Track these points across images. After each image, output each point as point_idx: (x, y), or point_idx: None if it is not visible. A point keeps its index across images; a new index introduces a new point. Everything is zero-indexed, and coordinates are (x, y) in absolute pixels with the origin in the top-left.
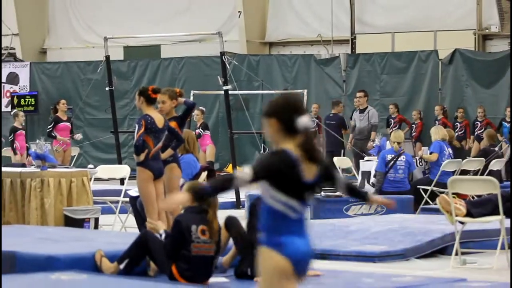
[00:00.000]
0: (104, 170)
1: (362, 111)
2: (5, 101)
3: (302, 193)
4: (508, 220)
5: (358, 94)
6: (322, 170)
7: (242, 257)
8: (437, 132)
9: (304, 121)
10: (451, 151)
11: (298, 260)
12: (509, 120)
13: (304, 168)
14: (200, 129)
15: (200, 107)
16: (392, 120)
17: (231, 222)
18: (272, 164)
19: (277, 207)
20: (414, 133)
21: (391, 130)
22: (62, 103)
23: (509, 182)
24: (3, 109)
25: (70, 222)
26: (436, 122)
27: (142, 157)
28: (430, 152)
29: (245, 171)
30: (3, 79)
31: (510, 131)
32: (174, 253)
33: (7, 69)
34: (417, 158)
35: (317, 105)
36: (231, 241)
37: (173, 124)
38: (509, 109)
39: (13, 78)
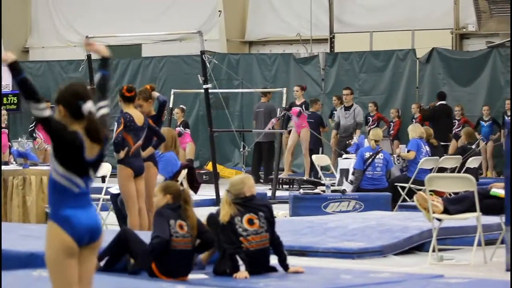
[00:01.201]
0: None
1: (347, 108)
2: None
3: (85, 170)
4: (485, 217)
5: (344, 92)
6: (103, 149)
7: (221, 254)
8: (414, 130)
9: (88, 106)
10: (428, 149)
11: (82, 233)
12: (486, 118)
13: (88, 148)
14: (181, 128)
15: (181, 106)
16: (370, 118)
17: (212, 221)
18: (64, 135)
19: (61, 182)
20: (392, 131)
21: (369, 128)
22: (46, 103)
23: (486, 180)
24: None
25: None
26: (413, 120)
27: (122, 154)
28: (408, 150)
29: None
30: None
31: (511, 125)
32: (163, 229)
33: None
34: (395, 156)
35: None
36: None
37: (150, 122)
38: (486, 107)
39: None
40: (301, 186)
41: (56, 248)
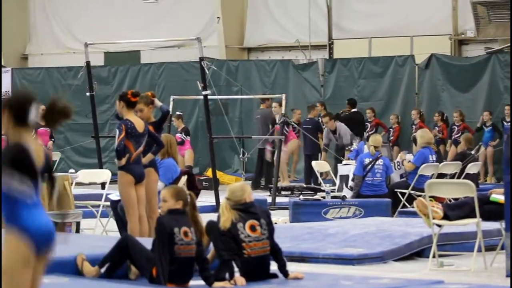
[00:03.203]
0: (85, 175)
1: (333, 132)
2: None
3: (36, 179)
4: (485, 223)
5: (324, 120)
6: (48, 159)
7: (220, 261)
8: (423, 136)
9: (33, 112)
10: (435, 158)
11: (40, 238)
12: (488, 124)
13: (35, 156)
14: (183, 135)
15: (177, 112)
16: (368, 124)
17: (211, 227)
18: (14, 156)
19: (14, 194)
20: (391, 137)
21: (368, 134)
22: (42, 109)
23: (486, 185)
24: None
25: None
26: (413, 126)
27: (123, 161)
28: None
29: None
30: None
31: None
32: (164, 254)
33: None
34: (395, 161)
35: (299, 111)
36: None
37: (150, 128)
38: (487, 113)
39: None
40: (301, 192)
41: (13, 259)
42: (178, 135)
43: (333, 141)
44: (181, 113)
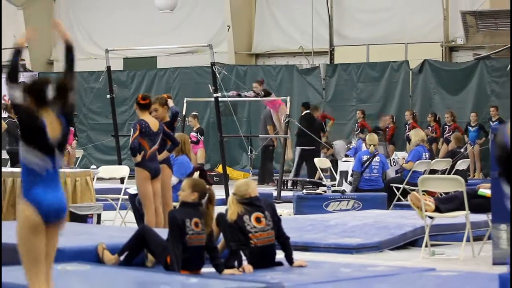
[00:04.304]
0: (105, 170)
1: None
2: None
3: (51, 149)
4: (473, 215)
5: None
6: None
7: (229, 251)
8: (417, 135)
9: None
10: (428, 155)
11: (49, 210)
12: (473, 124)
13: (50, 130)
14: (198, 135)
15: (193, 113)
16: (356, 124)
17: (220, 219)
18: (28, 117)
19: (31, 165)
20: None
21: (355, 133)
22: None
23: (474, 181)
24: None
25: (75, 217)
26: (406, 126)
27: (138, 158)
28: (408, 161)
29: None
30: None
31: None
32: (177, 244)
33: None
34: (391, 158)
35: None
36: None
37: (165, 128)
38: (473, 114)
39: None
40: (304, 186)
41: (25, 226)
42: (193, 134)
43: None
44: (196, 114)
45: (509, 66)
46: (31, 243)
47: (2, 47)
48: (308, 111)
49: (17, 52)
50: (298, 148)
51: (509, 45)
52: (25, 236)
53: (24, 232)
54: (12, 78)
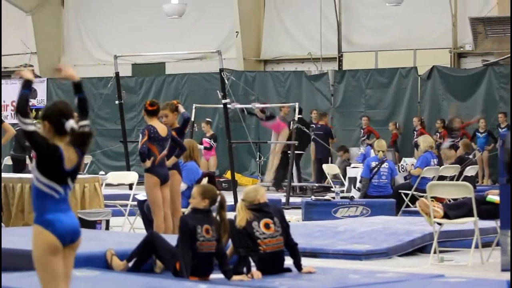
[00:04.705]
0: (114, 176)
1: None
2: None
3: (64, 179)
4: (482, 222)
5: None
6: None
7: (238, 257)
8: (425, 141)
9: (70, 123)
10: (436, 161)
11: (64, 234)
12: (481, 130)
13: (67, 159)
14: (212, 141)
15: (207, 119)
16: (362, 130)
17: (230, 226)
18: (46, 148)
19: (43, 189)
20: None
21: (361, 139)
22: (74, 116)
23: (483, 187)
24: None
25: (84, 223)
26: (415, 132)
27: (148, 163)
28: (416, 167)
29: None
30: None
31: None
32: (187, 250)
33: None
34: (399, 165)
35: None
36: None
37: (173, 134)
38: (482, 120)
39: (31, 93)
40: (314, 192)
41: (42, 247)
42: (207, 140)
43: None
44: (210, 120)
45: None
46: (50, 265)
47: (11, 52)
48: (300, 115)
49: (27, 85)
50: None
51: None
52: (44, 259)
53: (43, 254)
54: (22, 112)
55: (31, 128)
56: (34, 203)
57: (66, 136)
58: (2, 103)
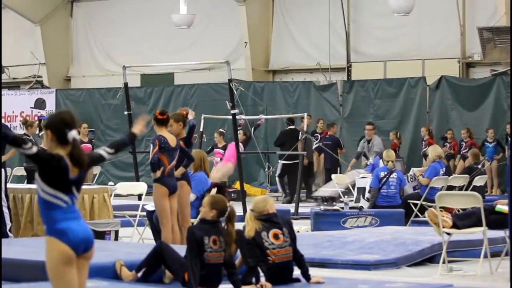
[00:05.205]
0: (123, 187)
1: (368, 141)
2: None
3: (69, 188)
4: (491, 231)
5: (368, 127)
6: (84, 171)
7: (247, 267)
8: (434, 151)
9: (73, 134)
10: (444, 171)
11: (78, 243)
12: (490, 140)
13: (71, 168)
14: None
15: (220, 129)
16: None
17: (238, 236)
18: (51, 163)
19: (49, 199)
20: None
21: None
22: (83, 127)
23: (492, 197)
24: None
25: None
26: (423, 142)
27: (158, 173)
28: (424, 177)
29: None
30: (32, 105)
31: (511, 146)
32: (195, 260)
33: (35, 95)
34: (408, 175)
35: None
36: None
37: (181, 144)
38: (491, 130)
39: (40, 103)
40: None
41: (56, 258)
42: (220, 151)
43: (367, 150)
44: (223, 131)
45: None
46: (65, 275)
47: (20, 63)
48: (292, 126)
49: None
50: (280, 162)
51: None
52: (58, 269)
53: (57, 265)
54: (15, 144)
55: (34, 150)
56: (42, 214)
57: (69, 145)
58: (11, 114)
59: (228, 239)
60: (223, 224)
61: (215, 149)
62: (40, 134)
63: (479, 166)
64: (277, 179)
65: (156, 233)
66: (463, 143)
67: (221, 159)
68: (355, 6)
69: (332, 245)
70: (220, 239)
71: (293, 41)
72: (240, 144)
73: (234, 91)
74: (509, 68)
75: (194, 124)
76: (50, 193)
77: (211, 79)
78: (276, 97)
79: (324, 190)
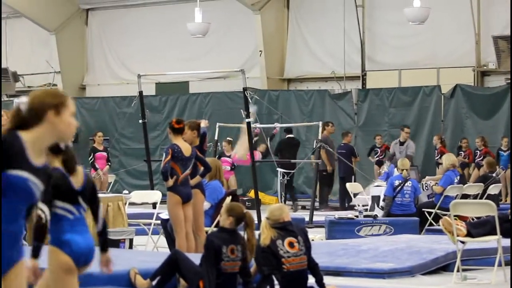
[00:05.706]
0: (137, 195)
1: (402, 143)
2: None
3: (75, 198)
4: (505, 240)
5: (406, 130)
6: (88, 181)
7: (261, 276)
8: (448, 159)
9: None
10: (458, 179)
11: (79, 254)
12: (505, 149)
13: (74, 179)
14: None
15: (228, 138)
16: (378, 149)
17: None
18: (55, 183)
19: (57, 211)
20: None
21: (377, 158)
22: (98, 135)
23: (506, 205)
24: None
25: None
26: (436, 150)
27: (170, 182)
28: (438, 185)
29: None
30: None
31: (511, 156)
32: (211, 269)
33: None
34: (423, 183)
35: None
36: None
37: (197, 153)
38: (506, 139)
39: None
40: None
41: (57, 267)
42: (228, 159)
43: (398, 151)
44: (231, 139)
45: None
46: (66, 285)
47: (35, 71)
48: (290, 135)
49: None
50: (280, 170)
51: None
52: (61, 279)
53: (60, 275)
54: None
55: (46, 209)
56: (50, 225)
57: (61, 155)
58: None
59: (248, 245)
60: (242, 233)
61: (222, 158)
62: None
63: (494, 175)
64: (278, 185)
65: (171, 241)
66: (478, 151)
67: (231, 168)
68: (370, 15)
69: (346, 254)
70: (237, 248)
71: (308, 49)
72: (259, 153)
73: (249, 99)
74: None
75: (205, 132)
76: (57, 205)
77: (226, 87)
78: (291, 106)
79: (362, 198)
